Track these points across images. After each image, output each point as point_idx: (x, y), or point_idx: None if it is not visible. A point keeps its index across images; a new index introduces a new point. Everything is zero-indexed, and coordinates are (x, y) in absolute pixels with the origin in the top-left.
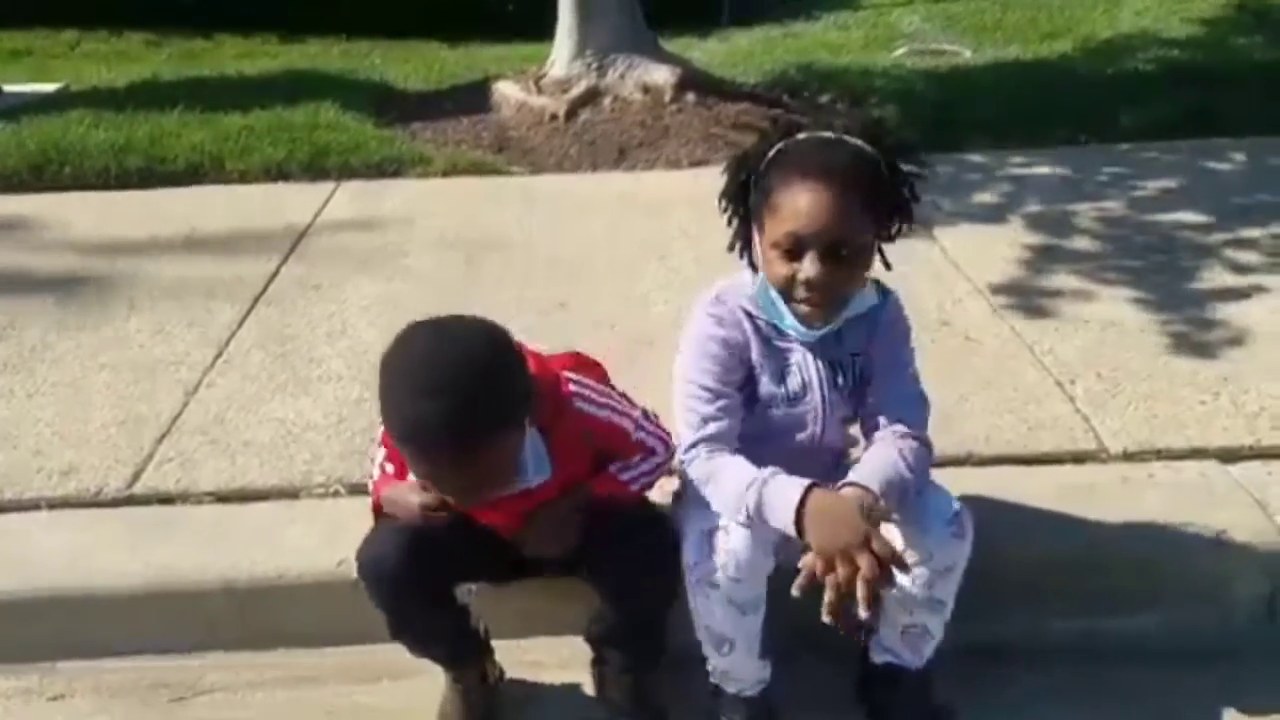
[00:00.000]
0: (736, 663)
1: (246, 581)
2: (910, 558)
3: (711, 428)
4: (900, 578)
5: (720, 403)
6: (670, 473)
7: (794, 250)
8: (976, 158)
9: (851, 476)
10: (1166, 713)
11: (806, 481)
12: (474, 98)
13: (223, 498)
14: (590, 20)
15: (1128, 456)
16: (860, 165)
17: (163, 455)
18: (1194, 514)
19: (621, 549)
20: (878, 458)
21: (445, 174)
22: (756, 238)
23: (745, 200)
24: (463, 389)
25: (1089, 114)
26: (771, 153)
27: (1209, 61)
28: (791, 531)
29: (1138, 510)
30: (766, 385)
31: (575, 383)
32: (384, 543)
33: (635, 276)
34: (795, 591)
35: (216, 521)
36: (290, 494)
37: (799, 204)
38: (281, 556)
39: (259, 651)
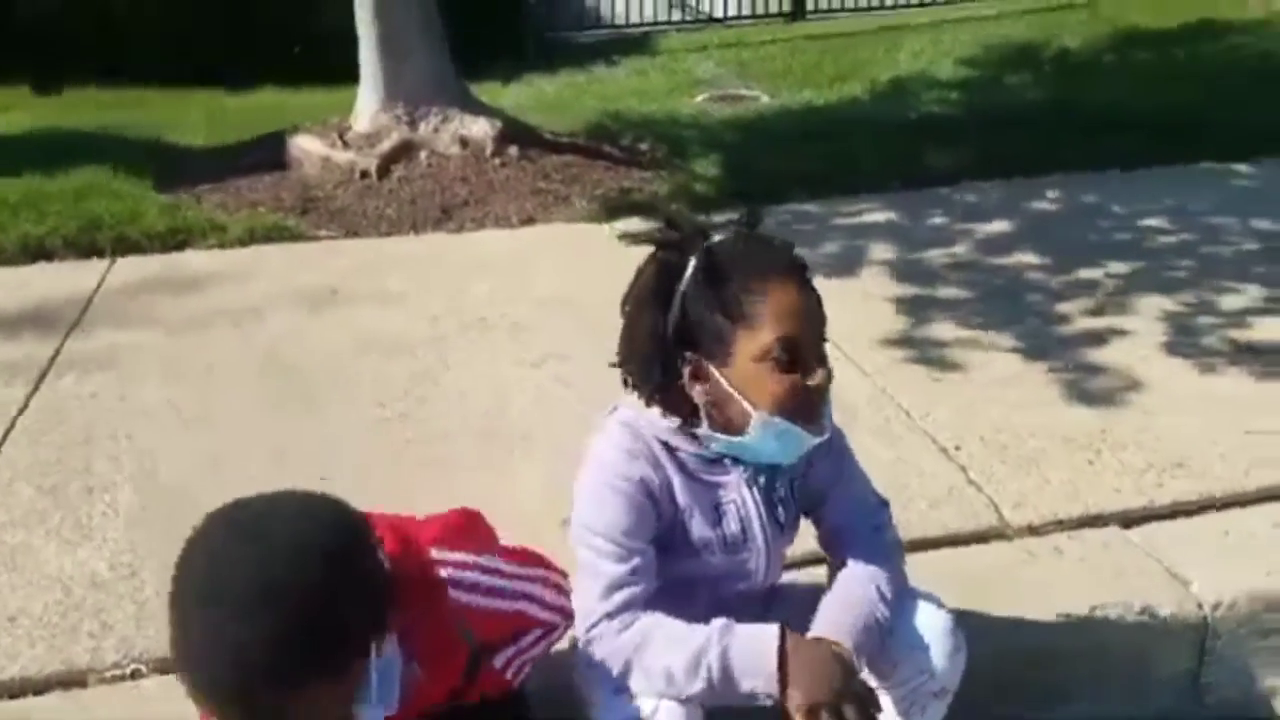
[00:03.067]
0: None
1: None
2: (900, 677)
3: (619, 596)
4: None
5: (633, 562)
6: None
7: (790, 359)
8: (808, 207)
9: (821, 628)
10: None
11: (773, 627)
12: (269, 154)
13: None
14: (397, 66)
15: (1032, 530)
16: None
17: None
18: (1109, 591)
19: None
20: (849, 601)
21: (242, 243)
22: (710, 370)
23: (664, 330)
24: (262, 612)
25: (896, 158)
26: (695, 264)
27: (985, 103)
28: (771, 687)
29: (1052, 590)
30: (699, 529)
31: (451, 564)
32: None
33: (482, 353)
34: None
35: None
36: (77, 682)
37: (788, 304)
38: None
39: None
